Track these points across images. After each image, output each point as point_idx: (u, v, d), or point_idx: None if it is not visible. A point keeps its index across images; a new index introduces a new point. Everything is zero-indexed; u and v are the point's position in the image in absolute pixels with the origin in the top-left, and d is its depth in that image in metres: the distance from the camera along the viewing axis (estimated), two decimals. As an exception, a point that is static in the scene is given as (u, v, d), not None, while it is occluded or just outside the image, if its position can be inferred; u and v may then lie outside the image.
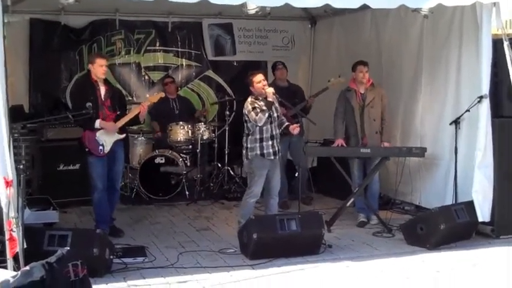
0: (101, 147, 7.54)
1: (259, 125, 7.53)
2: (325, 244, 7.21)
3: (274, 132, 7.68)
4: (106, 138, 7.56)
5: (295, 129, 7.76)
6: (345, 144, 8.33)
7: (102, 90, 7.62)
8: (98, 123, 7.49)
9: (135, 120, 7.85)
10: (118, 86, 9.73)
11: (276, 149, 7.69)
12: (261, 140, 7.61)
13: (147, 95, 10.81)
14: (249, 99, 7.69)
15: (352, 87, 8.44)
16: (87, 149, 7.57)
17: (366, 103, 8.34)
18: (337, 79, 9.12)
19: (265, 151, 7.61)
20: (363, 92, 8.38)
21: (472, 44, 7.74)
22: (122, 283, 6.03)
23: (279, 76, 9.76)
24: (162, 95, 8.69)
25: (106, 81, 7.76)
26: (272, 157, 7.65)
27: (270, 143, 7.63)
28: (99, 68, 7.53)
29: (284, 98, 8.90)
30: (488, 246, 7.35)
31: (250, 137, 7.68)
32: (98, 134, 7.52)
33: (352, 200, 8.31)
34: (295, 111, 8.54)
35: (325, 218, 7.81)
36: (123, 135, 7.76)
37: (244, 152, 7.76)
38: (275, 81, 9.68)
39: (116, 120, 7.64)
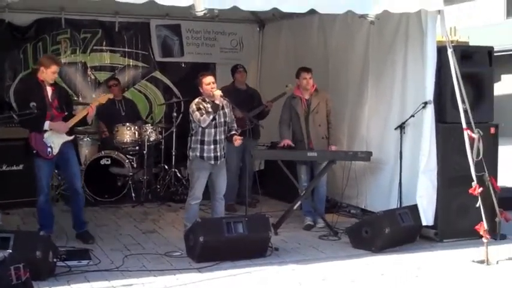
0: (49, 149, 7.36)
1: (203, 126, 7.51)
2: (272, 247, 7.22)
3: (217, 137, 7.64)
4: (54, 139, 7.39)
5: (237, 140, 7.75)
6: (292, 143, 8.36)
7: (49, 90, 7.45)
8: (47, 124, 7.30)
9: (83, 121, 7.69)
10: (63, 85, 9.54)
11: (218, 154, 7.65)
12: (202, 142, 7.59)
13: (93, 95, 10.74)
14: (196, 99, 7.66)
15: (297, 95, 8.49)
16: (34, 151, 7.36)
17: (310, 109, 8.39)
18: (294, 84, 9.12)
19: (205, 154, 7.59)
20: (307, 98, 8.43)
21: (417, 50, 7.85)
22: (66, 286, 5.93)
23: (239, 79, 9.75)
24: (111, 96, 8.59)
25: (53, 82, 7.60)
26: (212, 161, 7.62)
27: (212, 147, 7.60)
28: (51, 74, 7.37)
29: (242, 101, 8.96)
30: (432, 250, 7.46)
31: (193, 137, 7.66)
32: (45, 135, 7.33)
33: (299, 203, 8.35)
34: (247, 117, 8.54)
35: (272, 221, 7.82)
36: (72, 137, 7.59)
37: (187, 152, 7.75)
38: (234, 84, 9.69)
39: (64, 120, 7.48)
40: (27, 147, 7.47)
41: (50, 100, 7.43)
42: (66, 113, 7.55)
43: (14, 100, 9.81)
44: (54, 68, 7.38)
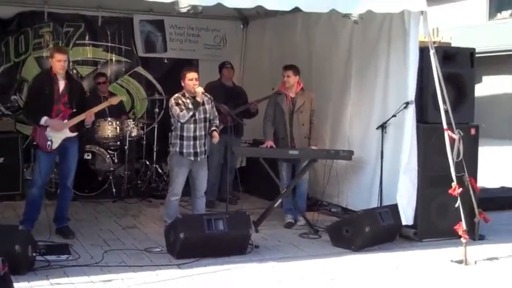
0: (49, 143, 7.35)
1: (181, 121, 7.51)
2: (252, 244, 7.23)
3: (197, 133, 7.64)
4: (55, 134, 7.36)
5: (215, 137, 7.74)
6: (274, 145, 8.38)
7: (61, 84, 7.40)
8: (43, 120, 7.29)
9: (81, 123, 7.61)
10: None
11: (198, 150, 7.65)
12: (182, 137, 7.59)
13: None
14: (176, 94, 7.66)
15: (282, 91, 8.50)
16: (35, 143, 7.44)
17: (295, 108, 8.40)
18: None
19: (184, 150, 7.59)
20: (293, 96, 8.44)
21: (399, 50, 7.89)
22: (45, 281, 5.89)
23: (226, 75, 9.75)
24: (124, 98, 8.56)
25: (68, 76, 7.55)
26: (192, 158, 7.62)
27: (192, 143, 7.60)
28: (57, 63, 7.32)
29: (227, 98, 8.98)
30: (411, 249, 7.50)
31: (173, 132, 7.67)
32: (47, 129, 7.33)
33: (280, 200, 8.36)
34: (228, 113, 8.52)
35: (253, 218, 7.83)
36: (74, 134, 7.53)
37: (169, 147, 7.76)
38: (221, 80, 9.69)
39: (71, 117, 7.43)
40: (32, 137, 7.61)
41: (60, 94, 7.39)
42: (74, 110, 7.47)
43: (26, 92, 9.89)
44: (58, 56, 7.34)
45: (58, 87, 7.39)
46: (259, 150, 8.54)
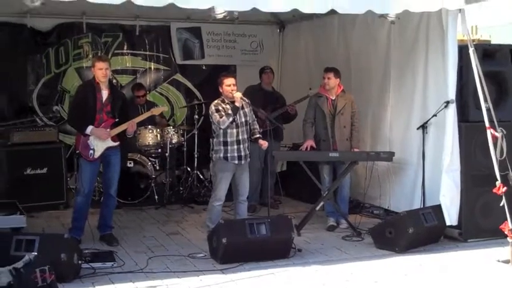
0: (91, 151, 7.44)
1: (222, 127, 7.54)
2: (295, 248, 7.22)
3: (240, 137, 7.67)
4: (98, 143, 7.45)
5: (263, 144, 7.78)
6: (314, 145, 8.36)
7: (104, 94, 7.49)
8: (89, 129, 7.39)
9: (123, 133, 7.68)
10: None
11: (242, 153, 7.68)
12: (225, 143, 7.62)
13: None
14: (215, 101, 7.70)
15: (322, 94, 8.47)
16: (77, 151, 7.54)
17: (337, 110, 8.36)
18: (317, 88, 9.00)
19: (229, 155, 7.61)
20: (333, 99, 8.41)
21: (438, 49, 7.82)
22: (91, 288, 5.99)
23: (266, 80, 9.75)
24: (165, 109, 8.62)
25: (110, 85, 7.64)
26: (236, 161, 7.65)
27: (236, 147, 7.63)
28: (98, 71, 7.41)
29: (266, 102, 9.00)
30: (456, 250, 7.43)
31: (215, 139, 7.70)
32: (91, 137, 7.43)
33: (321, 203, 8.34)
34: (267, 118, 8.50)
35: (295, 222, 7.84)
36: (117, 143, 7.61)
37: (210, 154, 7.78)
38: (261, 85, 9.71)
39: (113, 126, 7.53)
40: (75, 146, 7.73)
41: (103, 104, 7.48)
42: (117, 119, 7.57)
43: (38, 103, 10.06)
44: (99, 64, 7.42)
45: (101, 97, 7.48)
46: (299, 154, 8.53)
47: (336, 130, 8.36)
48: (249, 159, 7.83)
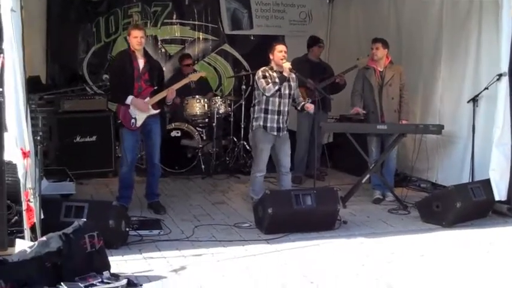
0: (133, 121, 7.49)
1: (267, 94, 7.51)
2: (340, 220, 7.22)
3: (281, 108, 7.64)
4: (139, 112, 7.51)
5: (309, 107, 7.72)
6: (363, 111, 8.29)
7: (141, 62, 7.51)
8: (129, 99, 7.42)
9: (163, 101, 7.74)
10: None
11: (281, 125, 7.66)
12: (266, 111, 7.60)
13: (164, 68, 10.84)
14: (263, 67, 7.67)
15: (370, 65, 8.38)
16: (119, 121, 7.59)
17: (384, 82, 8.26)
18: (365, 58, 8.93)
19: (268, 124, 7.60)
20: (381, 70, 8.31)
21: (491, 21, 7.67)
22: (138, 255, 6.06)
23: (316, 53, 9.65)
24: (203, 74, 8.64)
25: (146, 54, 7.65)
26: (275, 133, 7.64)
27: (276, 117, 7.61)
28: (133, 40, 7.44)
29: (313, 73, 8.93)
30: (505, 225, 7.32)
31: (257, 106, 7.68)
32: (131, 107, 7.47)
33: (367, 176, 8.29)
34: (315, 88, 8.43)
35: (340, 194, 7.80)
36: (157, 111, 7.65)
37: (251, 122, 7.77)
38: (307, 56, 9.63)
39: (152, 94, 7.58)
40: (115, 116, 7.65)
41: (140, 72, 7.51)
42: (155, 87, 7.61)
43: (88, 71, 10.25)
44: (134, 32, 7.45)
45: (138, 65, 7.50)
46: (347, 125, 8.48)
47: (384, 101, 8.27)
48: (286, 132, 7.78)
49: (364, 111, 8.32)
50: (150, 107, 7.55)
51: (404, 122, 8.30)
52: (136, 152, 7.95)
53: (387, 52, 8.30)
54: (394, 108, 8.30)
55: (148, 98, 7.53)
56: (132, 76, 7.45)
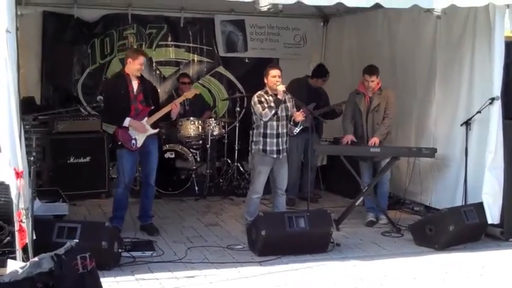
0: (133, 141, 7.52)
1: (264, 120, 7.52)
2: (334, 242, 7.21)
3: (280, 131, 7.64)
4: (138, 132, 7.55)
5: (298, 116, 7.71)
6: (354, 139, 8.31)
7: (135, 84, 7.55)
8: (127, 121, 7.45)
9: (167, 116, 7.80)
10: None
11: (281, 147, 7.65)
12: (265, 135, 7.60)
13: (158, 90, 10.88)
14: (259, 92, 7.69)
15: (360, 91, 8.41)
16: (119, 142, 7.56)
17: (371, 108, 8.31)
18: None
19: (267, 148, 7.60)
20: (370, 96, 8.35)
21: (484, 45, 7.71)
22: (130, 276, 6.05)
23: (319, 83, 9.59)
24: (198, 91, 8.66)
25: (139, 76, 7.68)
26: (275, 155, 7.63)
27: (275, 141, 7.61)
28: (138, 66, 7.48)
29: (308, 97, 8.94)
30: (498, 249, 7.34)
31: (255, 130, 7.69)
32: (130, 128, 7.51)
33: (361, 199, 8.29)
34: (311, 113, 8.44)
35: (334, 217, 7.82)
36: (156, 130, 7.72)
37: (250, 145, 7.79)
38: (308, 79, 9.64)
39: (150, 114, 7.61)
40: (113, 138, 7.72)
41: (135, 93, 7.54)
42: (152, 107, 7.64)
43: (83, 93, 10.19)
44: (141, 59, 7.50)
45: (133, 88, 7.54)
46: (340, 148, 8.50)
47: (369, 127, 8.32)
48: (285, 154, 7.79)
49: (355, 140, 8.33)
50: (149, 126, 7.57)
51: (374, 139, 8.24)
52: (134, 173, 7.95)
53: (379, 79, 8.33)
54: (379, 134, 8.34)
55: (146, 118, 7.55)
56: (128, 99, 7.48)
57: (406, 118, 8.69)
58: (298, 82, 9.44)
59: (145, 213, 7.86)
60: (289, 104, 7.74)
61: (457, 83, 8.39)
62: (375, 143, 8.17)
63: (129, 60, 7.53)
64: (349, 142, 8.32)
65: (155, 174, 7.84)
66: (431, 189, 8.91)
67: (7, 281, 4.79)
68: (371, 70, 8.27)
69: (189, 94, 8.33)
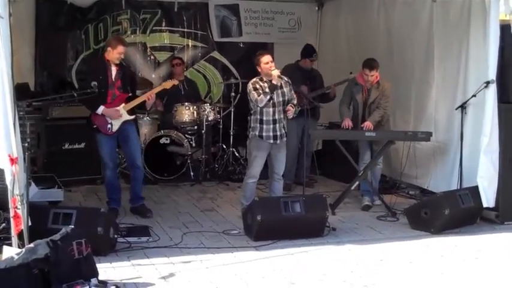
0: (109, 126, 7.55)
1: (260, 106, 7.48)
2: (329, 227, 7.22)
3: (276, 117, 7.59)
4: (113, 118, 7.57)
5: (289, 110, 7.65)
6: (352, 125, 8.31)
7: (114, 70, 7.58)
8: (100, 109, 7.48)
9: (142, 106, 7.82)
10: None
11: (278, 133, 7.61)
12: (262, 121, 7.56)
13: (153, 75, 10.88)
14: (253, 79, 7.65)
15: (359, 82, 8.39)
16: (95, 126, 7.58)
17: (369, 101, 8.33)
18: (358, 73, 8.88)
19: (264, 133, 7.57)
20: (369, 88, 8.34)
21: (479, 29, 7.68)
22: (126, 262, 6.05)
23: (309, 64, 9.60)
24: (176, 82, 8.63)
25: (119, 62, 7.68)
26: (271, 141, 7.58)
27: (271, 126, 7.57)
28: (117, 55, 7.51)
29: (303, 81, 8.93)
30: (493, 232, 7.35)
31: (252, 116, 7.67)
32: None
33: (356, 183, 8.30)
34: (305, 96, 8.44)
35: (329, 201, 7.82)
36: (132, 116, 7.73)
37: (248, 131, 7.77)
38: (298, 63, 9.61)
39: (127, 100, 7.62)
40: (88, 122, 7.66)
41: (113, 80, 7.56)
42: (130, 94, 7.68)
43: (76, 79, 10.11)
44: (120, 48, 7.51)
45: (111, 73, 7.56)
46: (336, 133, 8.49)
47: (366, 118, 8.32)
48: (285, 139, 7.77)
49: (352, 126, 8.33)
50: (125, 112, 7.59)
51: (367, 123, 8.22)
52: (116, 155, 7.99)
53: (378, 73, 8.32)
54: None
55: (123, 104, 7.57)
56: (105, 83, 7.49)
57: (404, 101, 8.64)
58: (290, 67, 9.40)
59: (135, 195, 7.88)
60: (285, 89, 7.67)
61: (455, 66, 8.33)
62: (369, 127, 8.17)
63: (109, 48, 7.56)
64: (348, 125, 8.29)
65: (140, 155, 7.91)
66: (430, 172, 8.88)
67: (3, 267, 4.80)
68: (371, 65, 8.23)
69: (167, 84, 8.22)
